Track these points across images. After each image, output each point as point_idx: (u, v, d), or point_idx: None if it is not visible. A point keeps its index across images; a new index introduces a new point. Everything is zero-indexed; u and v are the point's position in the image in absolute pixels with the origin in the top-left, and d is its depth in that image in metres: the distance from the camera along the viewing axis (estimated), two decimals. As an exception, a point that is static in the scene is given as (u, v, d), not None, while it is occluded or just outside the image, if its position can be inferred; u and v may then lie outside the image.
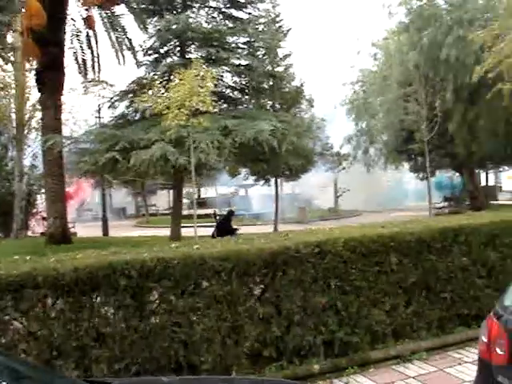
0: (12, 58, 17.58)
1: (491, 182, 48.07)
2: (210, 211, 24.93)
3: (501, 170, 43.51)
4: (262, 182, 28.16)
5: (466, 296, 7.41)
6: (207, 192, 49.54)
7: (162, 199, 51.78)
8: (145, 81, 14.37)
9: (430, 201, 25.33)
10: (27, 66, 24.77)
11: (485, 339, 4.22)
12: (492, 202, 36.55)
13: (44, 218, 26.42)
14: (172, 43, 20.85)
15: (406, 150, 28.59)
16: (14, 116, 27.57)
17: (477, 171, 34.59)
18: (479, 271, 7.53)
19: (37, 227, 28.65)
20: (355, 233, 6.98)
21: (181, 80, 12.90)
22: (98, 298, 5.49)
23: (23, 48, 18.55)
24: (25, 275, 5.13)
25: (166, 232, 21.95)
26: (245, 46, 21.80)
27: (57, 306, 5.37)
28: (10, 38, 12.85)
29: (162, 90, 13.24)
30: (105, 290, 5.41)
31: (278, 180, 27.17)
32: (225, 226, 19.00)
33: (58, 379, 3.87)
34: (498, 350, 4.03)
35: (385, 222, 8.63)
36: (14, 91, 25.83)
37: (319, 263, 6.37)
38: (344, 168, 38.05)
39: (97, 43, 23.89)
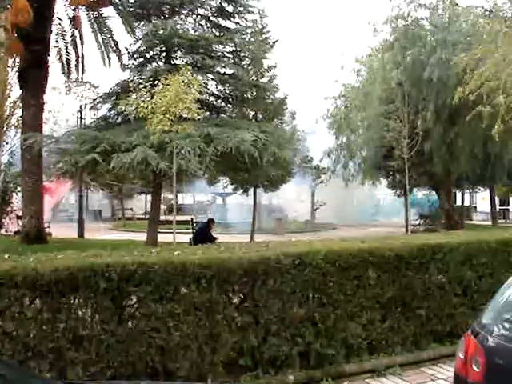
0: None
1: (466, 203, 48.65)
2: (186, 218, 24.84)
3: (476, 190, 44.05)
4: (240, 191, 28.16)
5: (441, 313, 7.49)
6: (184, 199, 49.36)
7: (139, 204, 51.52)
8: (130, 84, 14.30)
9: (407, 218, 25.52)
10: (10, 62, 24.57)
11: (462, 356, 4.29)
12: (467, 221, 37.01)
13: (19, 217, 26.15)
14: (158, 48, 20.83)
15: (385, 167, 28.83)
16: (-7, 112, 27.28)
17: (453, 191, 34.96)
18: (455, 289, 7.62)
19: (11, 226, 28.27)
20: (335, 246, 7.04)
21: (167, 85, 12.90)
22: (77, 300, 5.45)
23: (7, 44, 18.40)
24: (4, 274, 5.09)
25: (142, 236, 21.82)
26: (230, 55, 21.88)
27: (34, 306, 5.32)
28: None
29: (147, 95, 13.21)
30: (84, 291, 5.38)
31: (257, 190, 27.18)
32: (204, 234, 18.94)
33: (35, 380, 3.84)
34: (474, 367, 4.10)
35: (364, 236, 8.71)
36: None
37: (299, 275, 6.40)
38: (322, 181, 38.22)
39: (82, 44, 23.86)
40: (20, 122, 24.57)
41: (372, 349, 6.99)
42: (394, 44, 26.17)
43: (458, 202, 42.66)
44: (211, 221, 20.01)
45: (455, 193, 38.29)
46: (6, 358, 5.02)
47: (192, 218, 21.22)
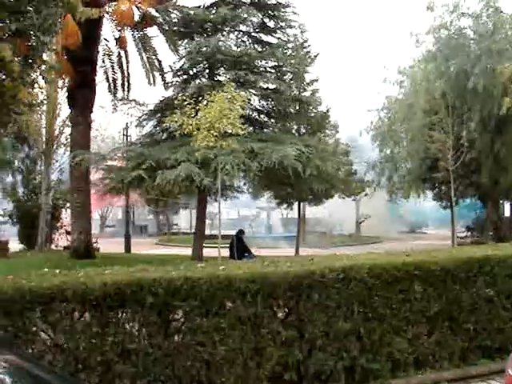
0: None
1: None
2: (231, 232, 24.89)
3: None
4: (284, 205, 28.14)
5: (489, 328, 7.34)
6: (229, 213, 49.57)
7: (184, 218, 51.95)
8: (176, 101, 14.49)
9: (454, 230, 25.11)
10: (59, 83, 25.23)
11: (511, 372, 4.19)
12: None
13: (68, 232, 26.70)
14: (201, 65, 21.06)
15: (430, 179, 28.46)
16: (44, 131, 28.00)
17: (501, 202, 34.23)
18: (504, 303, 7.46)
19: (60, 241, 28.88)
20: (380, 260, 6.98)
21: (211, 101, 13.04)
22: (124, 314, 5.54)
23: (59, 67, 18.93)
24: (55, 288, 5.22)
25: (187, 251, 22.00)
26: (273, 70, 21.97)
27: (84, 319, 5.44)
28: (45, 56, 13.15)
29: (192, 111, 13.36)
30: (131, 306, 5.47)
31: (301, 204, 27.13)
32: (239, 245, 19.05)
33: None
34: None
35: (409, 250, 8.60)
36: (45, 107, 26.24)
37: (344, 289, 6.37)
38: (366, 194, 37.94)
39: (127, 63, 24.38)
40: (69, 140, 25.21)
41: (419, 364, 6.89)
42: (437, 54, 25.94)
43: (507, 213, 41.73)
44: (240, 231, 20.15)
45: (503, 203, 37.46)
46: (58, 369, 5.13)
47: (237, 233, 21.23)
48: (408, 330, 6.81)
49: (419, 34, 26.53)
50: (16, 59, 10.43)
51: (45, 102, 25.43)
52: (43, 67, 12.48)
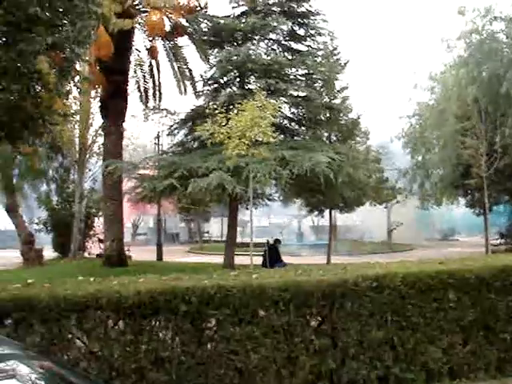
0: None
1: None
2: (262, 240, 24.88)
3: None
4: (315, 212, 28.04)
5: (527, 338, 7.18)
6: (260, 221, 49.59)
7: (215, 226, 52.09)
8: (207, 111, 14.59)
9: (487, 237, 24.75)
10: (92, 93, 25.61)
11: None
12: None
13: (101, 240, 27.00)
14: (232, 74, 21.17)
15: (463, 185, 28.10)
16: (77, 141, 28.42)
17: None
18: (542, 313, 7.30)
19: (93, 249, 29.20)
20: (413, 268, 6.90)
21: (242, 110, 13.08)
22: (158, 322, 5.58)
23: (92, 78, 19.25)
24: (90, 296, 5.29)
25: (218, 259, 22.06)
26: (303, 78, 21.98)
27: (117, 327, 5.49)
28: (79, 68, 13.39)
29: (223, 120, 13.43)
30: (165, 314, 5.50)
31: (332, 211, 27.00)
32: (274, 254, 19.06)
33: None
34: None
35: (442, 257, 8.50)
36: (78, 117, 26.65)
37: (377, 297, 6.31)
38: (398, 202, 37.62)
39: (159, 73, 24.67)
40: (101, 149, 25.55)
41: (453, 374, 6.77)
42: (468, 59, 25.64)
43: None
44: (277, 240, 20.17)
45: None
46: (93, 376, 5.18)
47: (268, 241, 21.22)
48: (442, 340, 6.71)
49: (450, 39, 26.31)
50: (52, 71, 10.62)
51: (78, 112, 25.86)
52: (77, 78, 12.71)
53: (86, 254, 28.72)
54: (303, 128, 22.73)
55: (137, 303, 5.34)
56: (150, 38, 22.76)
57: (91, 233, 29.82)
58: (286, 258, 20.33)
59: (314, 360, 6.02)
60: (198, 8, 21.24)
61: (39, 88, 10.87)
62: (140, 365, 5.41)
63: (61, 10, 10.03)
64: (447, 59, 29.07)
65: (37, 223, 30.34)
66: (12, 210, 25.96)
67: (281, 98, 20.40)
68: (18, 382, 2.35)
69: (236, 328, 5.69)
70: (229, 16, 21.55)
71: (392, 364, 6.39)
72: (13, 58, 9.61)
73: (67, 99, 14.43)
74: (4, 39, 10.07)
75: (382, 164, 36.41)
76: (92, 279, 6.07)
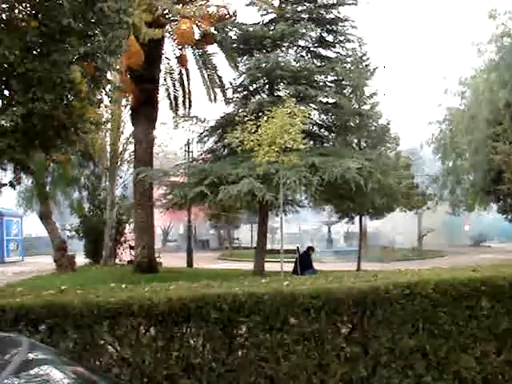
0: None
1: None
2: (292, 247, 24.87)
3: None
4: (346, 219, 27.94)
5: None
6: (290, 228, 49.55)
7: (245, 233, 52.20)
8: (237, 118, 14.67)
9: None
10: (123, 101, 25.90)
11: None
12: None
13: (131, 247, 27.23)
14: (261, 81, 21.24)
15: (494, 191, 27.74)
16: (108, 149, 28.75)
17: None
18: None
19: (124, 255, 29.46)
20: (445, 275, 6.82)
21: (272, 117, 13.11)
22: (189, 329, 5.60)
23: (123, 86, 19.47)
24: (122, 303, 5.33)
25: (248, 266, 22.09)
26: (332, 84, 21.93)
27: (149, 334, 5.52)
28: (110, 77, 13.55)
29: (253, 127, 13.47)
30: (196, 321, 5.51)
31: (362, 218, 26.87)
32: (305, 262, 19.05)
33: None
34: None
35: (474, 264, 8.38)
36: (109, 125, 26.95)
37: (408, 305, 6.24)
38: (429, 208, 37.27)
39: (188, 80, 24.86)
40: (132, 157, 25.79)
41: (487, 383, 6.67)
42: (499, 63, 25.36)
43: None
44: (310, 248, 20.14)
45: None
46: (124, 382, 5.23)
47: (298, 247, 21.21)
48: (475, 348, 6.60)
49: (481, 43, 26.07)
50: (84, 80, 10.77)
51: (110, 120, 26.17)
52: (108, 87, 12.85)
53: (117, 261, 28.98)
54: (333, 134, 22.68)
55: (168, 310, 5.37)
56: (180, 47, 22.97)
57: (122, 239, 30.07)
58: (316, 265, 20.29)
59: (345, 368, 5.98)
60: (227, 16, 21.36)
61: (72, 97, 11.03)
62: (171, 371, 5.43)
63: (93, 20, 10.19)
64: (478, 63, 28.83)
65: (69, 230, 30.78)
66: (45, 217, 26.32)
67: (310, 104, 20.38)
68: (52, 387, 2.39)
69: (267, 335, 5.67)
70: (258, 23, 21.64)
71: (424, 372, 6.31)
72: (47, 68, 9.77)
73: (99, 108, 14.59)
74: (38, 50, 10.25)
75: (412, 170, 36.17)
76: (124, 286, 6.13)
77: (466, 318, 6.56)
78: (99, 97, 12.26)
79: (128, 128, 27.69)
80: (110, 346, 5.48)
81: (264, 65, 19.58)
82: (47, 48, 9.94)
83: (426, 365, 6.32)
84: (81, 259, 27.89)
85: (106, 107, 22.42)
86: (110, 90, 12.96)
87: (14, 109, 9.73)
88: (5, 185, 14.06)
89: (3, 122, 10.14)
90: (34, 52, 10.22)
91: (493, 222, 41.37)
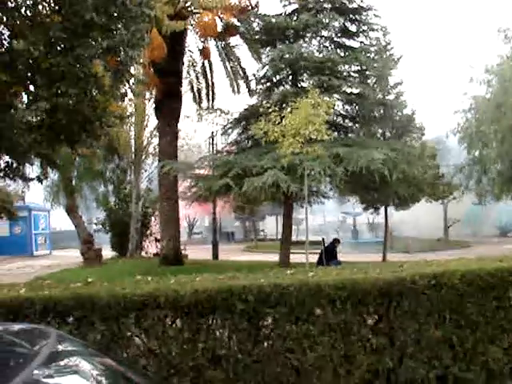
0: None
1: None
2: (317, 238, 24.84)
3: None
4: (371, 210, 27.77)
5: None
6: (314, 219, 49.46)
7: (270, 225, 52.22)
8: (261, 109, 14.66)
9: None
10: (147, 95, 26.01)
11: None
12: None
13: (157, 240, 27.41)
14: (285, 72, 21.18)
15: (522, 180, 27.36)
16: (132, 142, 28.91)
17: None
18: None
19: (150, 248, 29.66)
20: (472, 265, 6.75)
21: (296, 108, 13.08)
22: (215, 321, 5.62)
23: (146, 80, 19.56)
24: (148, 295, 5.36)
25: (274, 257, 22.10)
26: (356, 75, 21.79)
27: (175, 326, 5.55)
28: (133, 70, 13.62)
29: (277, 118, 13.45)
30: (222, 313, 5.53)
31: (388, 209, 26.68)
32: (331, 254, 19.00)
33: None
34: None
35: (501, 255, 8.28)
36: (134, 119, 27.09)
37: (435, 296, 6.19)
38: (455, 198, 36.87)
39: (212, 73, 24.87)
40: (157, 150, 25.92)
41: (515, 375, 6.59)
42: (527, 49, 24.89)
43: None
44: (336, 240, 20.07)
45: None
46: (151, 374, 5.27)
47: (323, 238, 21.15)
48: (503, 339, 6.52)
49: (508, 29, 25.58)
50: (107, 74, 10.85)
51: (134, 114, 26.31)
52: (132, 81, 12.93)
53: (143, 254, 29.22)
54: (357, 125, 22.55)
55: (194, 302, 5.39)
56: (203, 39, 22.96)
57: (148, 232, 30.30)
58: (340, 256, 20.22)
59: (371, 359, 5.95)
60: (250, 7, 21.30)
61: (95, 91, 11.12)
62: (197, 362, 5.45)
63: (115, 14, 10.25)
64: (504, 50, 28.27)
65: (95, 223, 31.12)
66: (72, 211, 26.62)
67: (334, 95, 20.29)
68: (80, 378, 2.41)
69: (292, 326, 5.67)
70: (280, 14, 21.54)
71: (451, 363, 6.26)
72: (70, 63, 9.86)
73: (123, 101, 14.71)
74: (62, 45, 10.34)
75: (437, 160, 35.79)
76: (150, 278, 6.17)
77: (493, 309, 6.48)
78: (123, 90, 12.34)
79: (152, 121, 27.86)
80: (136, 338, 5.52)
81: (287, 56, 19.52)
82: (70, 43, 10.02)
83: (453, 356, 6.27)
84: (107, 252, 28.16)
85: (129, 101, 22.56)
86: (133, 83, 13.06)
87: (39, 104, 9.83)
88: (32, 179, 14.25)
89: (29, 117, 10.26)
90: (58, 47, 10.32)
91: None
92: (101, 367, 2.63)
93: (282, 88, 21.24)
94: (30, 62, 10.11)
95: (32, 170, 16.59)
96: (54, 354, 2.57)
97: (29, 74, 10.63)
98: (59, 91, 9.98)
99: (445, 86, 76.67)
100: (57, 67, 9.89)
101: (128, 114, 22.28)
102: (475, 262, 7.33)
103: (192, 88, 25.18)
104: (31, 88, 10.98)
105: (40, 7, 10.35)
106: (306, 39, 21.39)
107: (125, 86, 12.34)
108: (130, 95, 15.45)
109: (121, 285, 5.74)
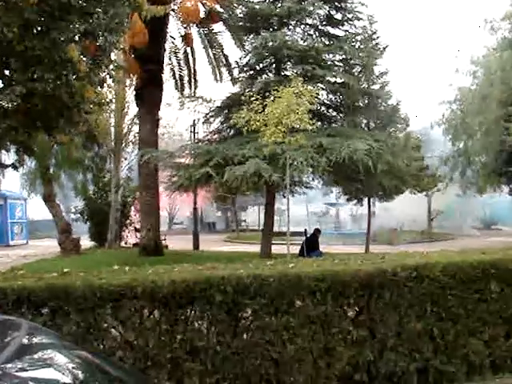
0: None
1: None
2: (299, 229, 24.90)
3: None
4: (354, 201, 27.83)
5: None
6: (297, 210, 49.50)
7: (252, 215, 52.28)
8: (243, 98, 14.60)
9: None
10: (127, 81, 25.82)
11: None
12: None
13: (137, 230, 27.34)
14: (268, 60, 21.07)
15: (506, 173, 27.61)
16: (112, 130, 28.71)
17: None
18: None
19: (129, 238, 29.59)
20: (454, 258, 6.80)
21: (278, 97, 13.05)
22: (193, 312, 5.60)
23: (126, 66, 19.39)
24: (125, 285, 5.33)
25: (255, 248, 22.13)
26: (341, 64, 21.74)
27: (153, 317, 5.53)
28: (112, 56, 13.48)
29: (259, 107, 13.42)
30: (200, 304, 5.52)
31: (371, 200, 26.76)
32: (312, 244, 19.09)
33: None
34: None
35: (484, 247, 8.35)
36: (114, 106, 26.88)
37: (416, 288, 6.23)
38: (439, 190, 37.13)
39: (194, 60, 24.71)
40: (137, 138, 25.75)
41: (496, 368, 6.65)
42: (513, 41, 25.04)
43: None
44: (317, 230, 20.16)
45: None
46: (128, 366, 5.24)
47: (305, 229, 21.21)
48: (484, 332, 6.60)
49: (494, 20, 25.70)
50: (84, 59, 10.73)
51: (113, 100, 26.09)
52: (111, 67, 12.79)
53: (122, 244, 29.14)
54: (341, 115, 22.52)
55: (172, 293, 5.37)
56: (185, 25, 22.81)
57: (127, 222, 30.23)
58: (323, 248, 20.31)
59: (352, 351, 5.98)
60: (233, -7, 21.17)
61: (73, 77, 10.98)
62: (175, 354, 5.44)
63: (93, -3, 10.13)
64: (490, 42, 28.42)
65: (73, 212, 30.92)
66: (49, 200, 26.40)
67: (318, 84, 20.22)
68: (54, 371, 2.37)
69: (272, 318, 5.68)
70: (264, 1, 21.40)
71: (432, 356, 6.31)
72: (46, 46, 9.73)
73: (102, 88, 14.53)
74: (38, 28, 10.19)
75: (422, 151, 35.96)
76: (127, 268, 6.14)
77: (474, 302, 6.55)
78: (101, 76, 12.20)
79: (133, 109, 27.66)
80: (113, 330, 5.49)
81: (271, 44, 19.42)
82: (46, 26, 9.88)
83: (434, 348, 6.33)
84: (86, 242, 28.02)
85: (108, 87, 22.35)
86: (112, 69, 12.89)
87: (14, 88, 9.69)
88: (8, 166, 14.10)
89: (3, 102, 10.12)
90: (34, 30, 10.17)
91: (505, 204, 41.19)
92: (76, 360, 2.59)
93: (264, 76, 21.15)
94: (4, 44, 9.95)
95: (8, 157, 16.42)
96: (24, 346, 2.54)
97: (3, 58, 10.48)
98: (35, 76, 9.84)
99: (430, 77, 77.21)
100: (32, 51, 9.75)
101: (107, 100, 22.04)
102: (457, 254, 7.41)
103: (174, 75, 25.03)
104: (6, 72, 10.83)
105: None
106: (291, 27, 21.29)
107: (104, 71, 12.20)
108: (110, 81, 15.26)
109: (97, 275, 5.71)
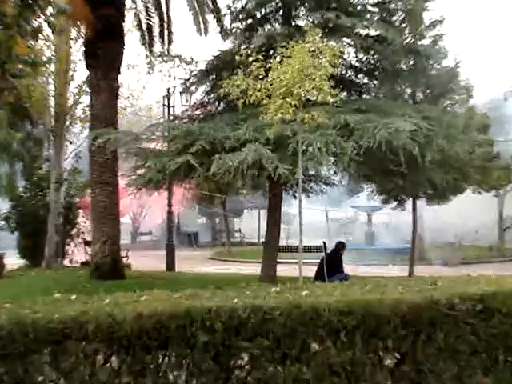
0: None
1: None
2: (315, 242, 24.88)
3: None
4: (393, 204, 27.89)
5: None
6: (313, 215, 49.64)
7: (249, 223, 52.27)
8: (238, 58, 14.55)
9: None
10: (73, 33, 25.78)
11: None
12: None
13: (87, 243, 27.31)
14: (273, 4, 21.06)
15: None
16: (52, 101, 28.62)
17: None
18: None
19: (77, 254, 29.56)
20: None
21: (287, 57, 13.04)
22: (167, 359, 5.61)
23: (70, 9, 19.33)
24: (70, 322, 5.33)
25: (253, 269, 22.19)
26: (376, 9, 21.70)
27: (110, 365, 5.53)
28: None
29: (261, 71, 13.40)
30: (177, 347, 5.53)
31: (418, 202, 26.81)
32: (334, 263, 19.08)
33: None
34: None
35: None
36: (54, 67, 26.78)
37: (482, 326, 6.24)
38: (515, 188, 37.28)
39: (168, 3, 24.60)
40: (87, 113, 25.71)
41: None
42: None
43: None
44: (341, 244, 20.12)
45: None
46: None
47: (324, 243, 21.21)
48: None
49: None
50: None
51: (53, 59, 26.02)
52: (50, 10, 12.71)
53: (66, 262, 29.08)
54: (375, 82, 22.54)
55: (137, 331, 5.38)
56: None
57: (74, 232, 30.17)
58: (350, 269, 20.32)
59: (391, 415, 6.02)
60: None
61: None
62: (142, 418, 5.46)
63: None
64: None
65: (-5, 219, 30.83)
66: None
67: (343, 38, 20.22)
68: None
69: (278, 367, 5.69)
70: None
71: (504, 422, 6.35)
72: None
73: (36, 41, 14.47)
74: None
75: (491, 133, 35.97)
76: (73, 297, 6.14)
77: None
78: (35, 24, 12.14)
79: (81, 72, 27.61)
80: (52, 384, 5.49)
81: (277, -20, 19.48)
82: None
83: (507, 411, 6.36)
84: (13, 260, 27.98)
85: (46, 40, 22.27)
86: (51, 13, 12.81)
87: None
88: None
89: None
90: None
91: None
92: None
93: (268, 27, 21.16)
94: None
95: None
96: None
97: None
98: None
99: (502, 31, 77.14)
100: None
101: (45, 59, 21.99)
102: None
103: (140, 24, 25.01)
104: None
105: None
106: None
107: (39, 17, 12.15)
108: (48, 32, 15.17)
109: (30, 307, 5.70)
